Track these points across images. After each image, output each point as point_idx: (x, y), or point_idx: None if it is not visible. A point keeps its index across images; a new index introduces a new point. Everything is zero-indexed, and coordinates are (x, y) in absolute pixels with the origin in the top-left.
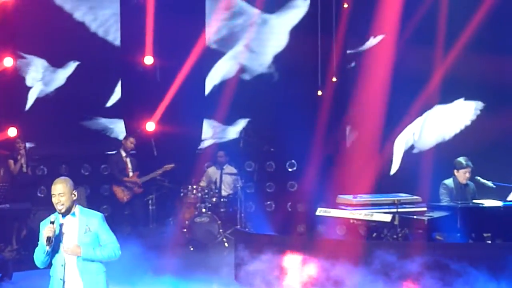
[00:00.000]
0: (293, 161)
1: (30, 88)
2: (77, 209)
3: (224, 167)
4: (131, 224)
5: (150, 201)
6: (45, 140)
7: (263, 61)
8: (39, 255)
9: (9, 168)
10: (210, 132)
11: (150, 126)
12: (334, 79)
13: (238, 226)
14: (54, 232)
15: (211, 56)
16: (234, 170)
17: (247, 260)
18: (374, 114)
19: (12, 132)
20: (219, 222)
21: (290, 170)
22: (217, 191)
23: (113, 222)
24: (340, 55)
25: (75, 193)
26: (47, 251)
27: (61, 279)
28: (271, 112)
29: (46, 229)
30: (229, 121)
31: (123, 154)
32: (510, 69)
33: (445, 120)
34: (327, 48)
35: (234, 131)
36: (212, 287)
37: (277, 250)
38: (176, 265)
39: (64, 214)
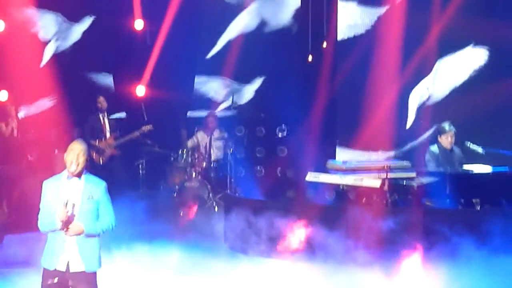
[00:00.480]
0: (283, 126)
1: (45, 44)
2: (83, 174)
3: (214, 132)
4: (113, 188)
5: (140, 166)
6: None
7: (282, 16)
8: (47, 226)
9: (0, 132)
10: (223, 92)
11: (140, 90)
12: (324, 45)
13: (228, 191)
14: (67, 214)
15: (229, 11)
16: (221, 133)
17: (236, 225)
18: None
19: (2, 95)
20: (209, 186)
21: (280, 135)
22: (206, 156)
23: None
24: (334, 20)
25: (88, 159)
26: (56, 229)
27: (64, 241)
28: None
29: (59, 213)
30: (245, 79)
31: (100, 115)
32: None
33: (456, 68)
34: (319, 11)
35: (251, 90)
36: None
37: (266, 214)
38: (166, 229)
39: (70, 176)
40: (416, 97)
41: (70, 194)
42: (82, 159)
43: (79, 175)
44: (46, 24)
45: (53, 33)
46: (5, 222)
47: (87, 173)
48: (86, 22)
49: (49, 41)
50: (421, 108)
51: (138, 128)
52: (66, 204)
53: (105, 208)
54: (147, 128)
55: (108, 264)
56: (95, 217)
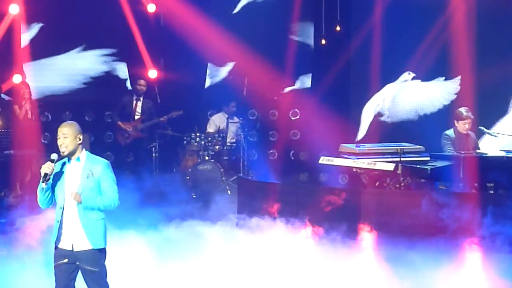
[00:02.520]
0: (296, 109)
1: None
2: (83, 154)
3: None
4: (134, 170)
5: (153, 149)
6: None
7: None
8: (38, 193)
9: (14, 114)
10: None
11: (152, 73)
12: (338, 28)
13: (241, 174)
14: (53, 170)
15: None
16: (237, 119)
17: (249, 208)
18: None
19: (17, 78)
20: (222, 169)
21: (293, 118)
22: (220, 139)
23: (116, 169)
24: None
25: (81, 137)
26: (44, 188)
27: (57, 221)
28: None
29: (44, 166)
30: None
31: (134, 97)
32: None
33: (419, 95)
34: None
35: None
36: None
37: (279, 198)
38: (178, 212)
39: (68, 158)
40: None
41: (70, 175)
42: (68, 140)
43: (72, 155)
44: None
45: None
46: (18, 205)
47: (88, 153)
48: None
49: None
50: None
51: (165, 113)
52: (52, 160)
53: (107, 185)
54: (176, 113)
55: (119, 244)
56: (97, 194)
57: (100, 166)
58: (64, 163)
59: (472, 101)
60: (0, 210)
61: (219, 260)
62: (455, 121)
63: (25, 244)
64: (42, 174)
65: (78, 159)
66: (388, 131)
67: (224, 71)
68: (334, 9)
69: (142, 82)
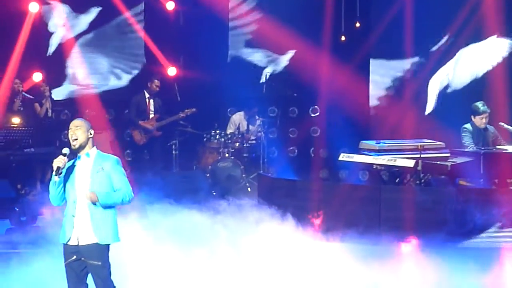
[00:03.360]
0: (316, 106)
1: (52, 33)
2: (93, 151)
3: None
4: (151, 168)
5: (173, 146)
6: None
7: None
8: (50, 188)
9: (35, 112)
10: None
11: (172, 71)
12: (357, 24)
13: (261, 171)
14: (65, 164)
15: None
16: (257, 117)
17: (269, 205)
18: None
19: (37, 76)
20: (242, 167)
21: (313, 115)
22: (240, 136)
23: (134, 167)
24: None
25: (92, 132)
26: (56, 182)
27: (73, 216)
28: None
29: (56, 160)
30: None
31: (147, 95)
32: None
33: (478, 58)
34: None
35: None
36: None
37: (299, 195)
38: (198, 209)
39: (78, 152)
40: (437, 83)
41: (80, 170)
42: (80, 132)
43: (82, 149)
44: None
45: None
46: (38, 202)
47: (98, 151)
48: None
49: None
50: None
51: (181, 111)
52: (64, 154)
53: (119, 180)
54: (190, 111)
55: (142, 241)
56: (108, 189)
57: (110, 162)
58: (74, 160)
59: None
60: (21, 208)
61: (236, 256)
62: (472, 116)
63: (46, 242)
64: (55, 168)
65: (87, 154)
66: (454, 101)
67: (284, 60)
68: (353, 5)
69: (157, 82)
